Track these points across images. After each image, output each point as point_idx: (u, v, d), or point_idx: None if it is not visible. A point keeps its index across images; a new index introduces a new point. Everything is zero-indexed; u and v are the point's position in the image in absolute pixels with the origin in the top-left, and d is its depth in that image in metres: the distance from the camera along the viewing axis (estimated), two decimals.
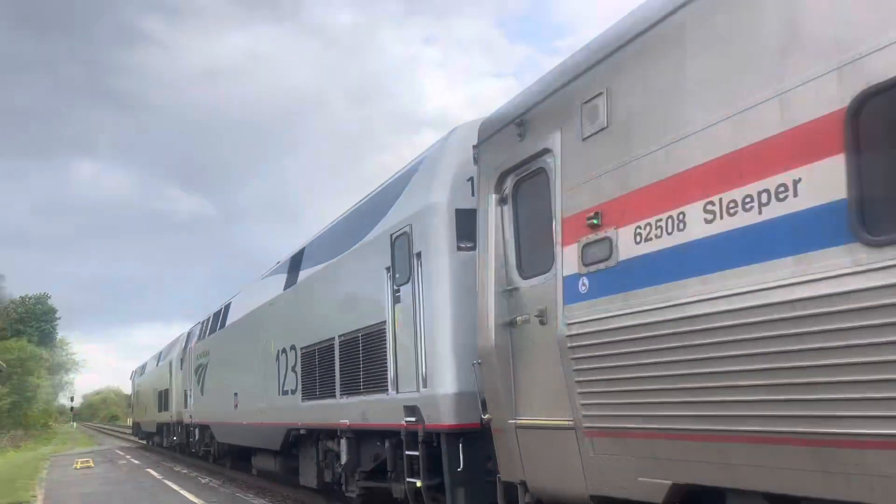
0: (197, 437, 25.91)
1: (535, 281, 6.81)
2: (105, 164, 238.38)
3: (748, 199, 4.52)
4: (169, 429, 32.69)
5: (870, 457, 3.81)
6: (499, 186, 7.34)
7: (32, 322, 76.94)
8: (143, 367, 44.83)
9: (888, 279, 3.65)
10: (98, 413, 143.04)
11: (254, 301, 18.22)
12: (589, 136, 6.03)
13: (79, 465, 27.91)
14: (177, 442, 30.49)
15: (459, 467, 8.22)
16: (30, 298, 79.02)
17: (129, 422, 53.72)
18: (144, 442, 43.70)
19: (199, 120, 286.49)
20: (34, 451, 45.33)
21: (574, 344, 5.95)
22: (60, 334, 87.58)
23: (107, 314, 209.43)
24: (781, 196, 4.31)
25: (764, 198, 4.41)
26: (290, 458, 14.93)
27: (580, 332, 5.89)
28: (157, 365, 37.02)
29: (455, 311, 8.46)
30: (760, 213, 4.44)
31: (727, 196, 4.65)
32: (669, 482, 5.17)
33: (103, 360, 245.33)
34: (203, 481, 20.13)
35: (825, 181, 4.06)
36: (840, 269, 3.91)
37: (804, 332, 4.06)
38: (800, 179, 4.21)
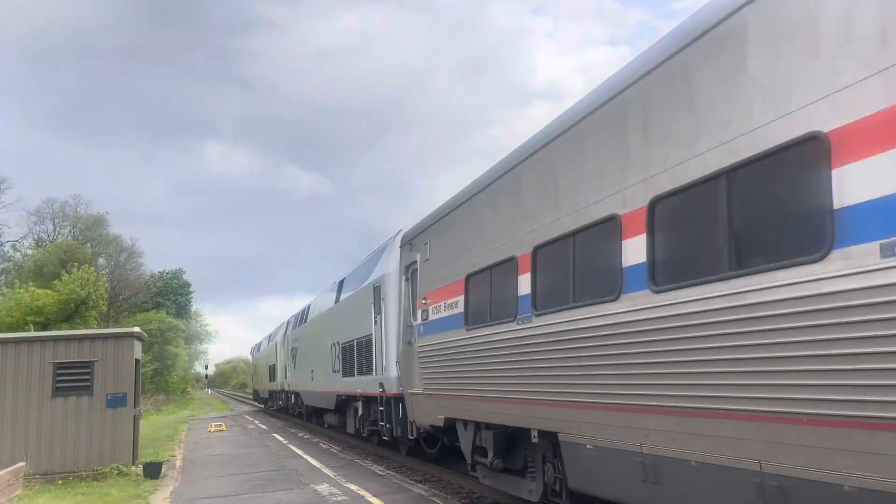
0: (293, 401, 34.48)
1: (415, 322, 13.21)
2: (229, 145, 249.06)
3: (452, 304, 11.12)
4: (276, 395, 41.82)
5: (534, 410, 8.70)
6: (406, 272, 14.29)
7: (170, 295, 79.65)
8: (259, 346, 54.72)
9: (473, 341, 10.13)
10: (229, 381, 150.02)
11: (321, 307, 26.95)
12: (425, 260, 12.79)
13: (213, 429, 30.50)
14: (282, 405, 39.68)
15: (399, 415, 15.31)
16: (167, 273, 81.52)
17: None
18: (262, 406, 51.98)
19: (314, 100, 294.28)
20: (174, 414, 49.21)
21: (420, 356, 12.68)
22: (195, 307, 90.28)
23: (235, 288, 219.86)
24: (456, 305, 10.90)
25: (454, 305, 11.00)
26: (341, 414, 23.28)
27: (421, 351, 12.59)
28: (268, 344, 45.66)
29: (396, 333, 15.47)
30: (453, 311, 11.05)
31: (449, 301, 11.22)
32: (443, 416, 11.69)
33: (233, 331, 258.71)
34: (324, 447, 21.71)
35: (461, 305, 10.70)
36: (462, 336, 10.58)
37: (465, 357, 10.58)
38: (458, 301, 10.83)
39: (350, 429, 21.73)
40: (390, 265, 16.44)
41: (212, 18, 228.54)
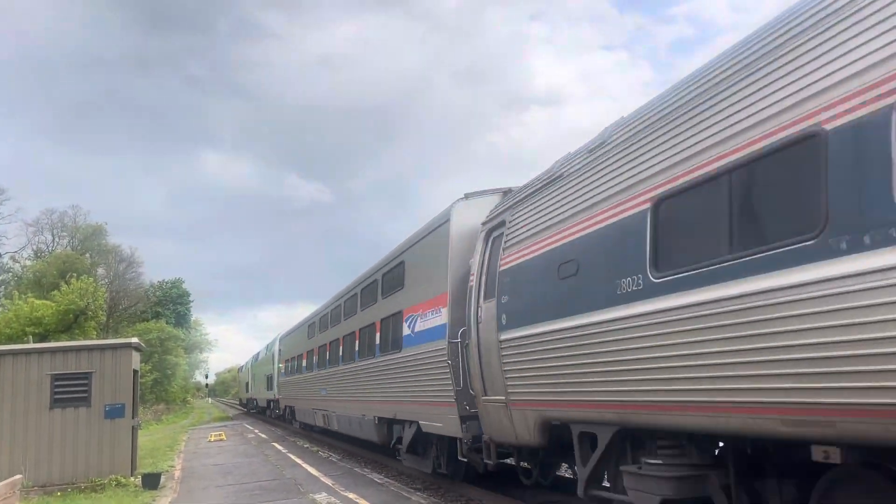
0: (256, 404, 57.40)
1: (281, 370, 38.90)
2: (229, 154, 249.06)
3: (286, 367, 35.95)
4: (249, 401, 63.39)
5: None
6: (279, 352, 40.04)
7: (169, 305, 79.62)
8: (242, 367, 76.51)
9: (290, 379, 34.74)
10: (230, 389, 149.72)
11: (262, 354, 49.86)
12: (283, 349, 38.75)
13: (212, 439, 30.37)
14: (252, 407, 61.79)
15: (280, 407, 40.15)
16: (166, 283, 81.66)
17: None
18: (244, 409, 72.77)
19: (314, 108, 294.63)
20: (174, 424, 49.07)
21: (279, 384, 39.24)
22: (194, 316, 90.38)
23: (235, 297, 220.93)
24: (285, 367, 37.03)
25: (287, 367, 35.81)
26: (270, 409, 46.31)
27: (280, 382, 38.76)
28: (246, 368, 68.21)
29: (277, 374, 39.80)
30: (287, 369, 35.88)
31: (285, 366, 36.44)
32: (285, 405, 37.70)
33: (234, 340, 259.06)
34: (323, 456, 21.62)
35: (286, 368, 36.99)
36: (286, 378, 36.65)
37: (289, 384, 35.16)
38: (284, 365, 37.89)
39: (272, 415, 45.72)
40: (276, 347, 40.44)
41: (211, 28, 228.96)
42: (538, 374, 8.74)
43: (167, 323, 70.83)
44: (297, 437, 30.58)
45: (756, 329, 5.36)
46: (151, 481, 15.72)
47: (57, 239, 68.53)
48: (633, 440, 7.58)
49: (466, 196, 12.48)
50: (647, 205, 6.84)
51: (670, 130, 6.75)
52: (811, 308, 4.94)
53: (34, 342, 27.25)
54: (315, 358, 26.27)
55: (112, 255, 68.75)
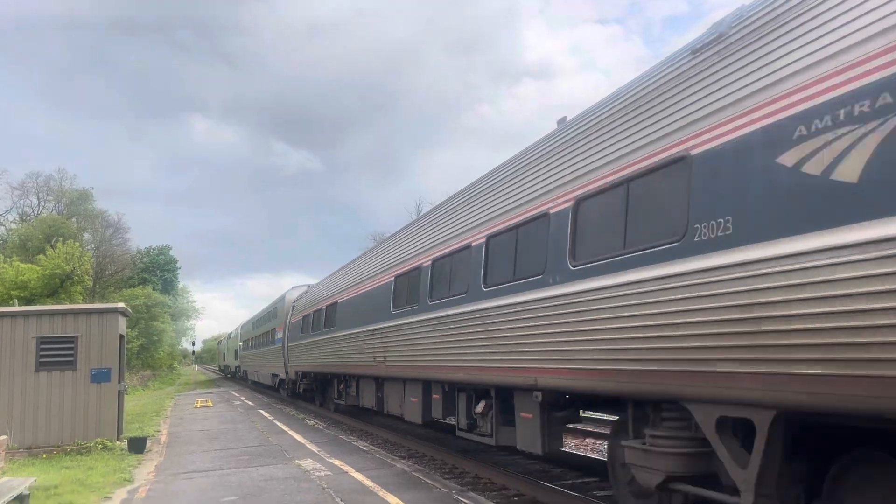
0: (229, 370, 74.80)
1: (241, 347, 57.23)
2: (217, 120, 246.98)
3: (242, 344, 56.13)
4: (226, 367, 79.64)
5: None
6: (241, 333, 59.01)
7: (156, 271, 79.15)
8: (221, 342, 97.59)
9: (247, 352, 53.51)
10: (216, 357, 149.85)
11: (234, 334, 67.56)
12: (242, 332, 58.91)
13: (199, 405, 30.50)
14: (227, 372, 77.82)
15: (242, 370, 57.67)
16: (153, 249, 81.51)
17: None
18: (222, 373, 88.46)
19: (303, 76, 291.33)
20: (160, 390, 49.28)
21: (241, 355, 58.17)
22: (181, 283, 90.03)
23: (222, 264, 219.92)
24: (243, 344, 55.56)
25: (243, 344, 55.09)
26: (237, 373, 63.23)
27: (241, 355, 58.56)
28: (223, 343, 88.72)
29: (239, 349, 59.00)
30: (244, 346, 54.52)
31: (243, 344, 55.07)
32: (245, 369, 54.34)
33: (220, 308, 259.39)
34: (309, 423, 21.68)
35: (243, 345, 55.94)
36: (243, 352, 56.98)
37: (243, 356, 57.21)
38: (242, 343, 57.20)
39: (237, 377, 60.93)
40: (241, 331, 56.50)
41: None
42: (298, 356, 27.15)
43: (154, 289, 70.47)
44: (284, 405, 30.67)
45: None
46: (137, 445, 15.78)
47: (42, 203, 67.91)
48: (323, 381, 25.46)
49: (293, 287, 32.53)
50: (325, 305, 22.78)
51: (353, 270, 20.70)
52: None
53: (20, 306, 27.09)
54: (253, 342, 45.95)
55: (98, 220, 68.10)
